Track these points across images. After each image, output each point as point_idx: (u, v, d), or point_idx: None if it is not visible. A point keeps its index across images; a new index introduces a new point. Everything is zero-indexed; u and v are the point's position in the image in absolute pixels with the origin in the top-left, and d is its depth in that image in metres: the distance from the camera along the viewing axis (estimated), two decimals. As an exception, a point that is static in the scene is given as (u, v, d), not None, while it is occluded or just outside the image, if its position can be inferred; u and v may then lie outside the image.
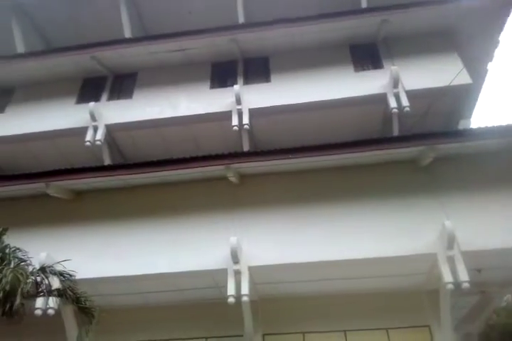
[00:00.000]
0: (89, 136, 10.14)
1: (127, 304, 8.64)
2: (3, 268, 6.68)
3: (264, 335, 8.17)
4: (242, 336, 7.96)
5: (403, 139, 8.34)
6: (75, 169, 9.17)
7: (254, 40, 10.95)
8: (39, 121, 10.85)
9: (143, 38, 11.20)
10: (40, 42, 12.74)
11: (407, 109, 9.46)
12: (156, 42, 10.98)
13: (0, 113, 11.54)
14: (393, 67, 9.92)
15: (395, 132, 9.80)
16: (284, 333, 8.13)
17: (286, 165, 8.62)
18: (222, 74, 11.23)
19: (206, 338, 8.32)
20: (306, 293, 8.23)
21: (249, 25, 10.96)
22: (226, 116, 10.02)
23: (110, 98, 11.32)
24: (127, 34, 11.85)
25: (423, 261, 7.37)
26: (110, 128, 10.43)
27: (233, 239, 7.68)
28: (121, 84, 11.65)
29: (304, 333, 8.12)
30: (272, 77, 10.89)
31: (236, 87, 10.19)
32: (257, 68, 11.21)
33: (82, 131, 10.29)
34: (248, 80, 11.02)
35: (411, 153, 8.26)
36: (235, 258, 7.61)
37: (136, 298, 8.59)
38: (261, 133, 10.44)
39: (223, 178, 8.86)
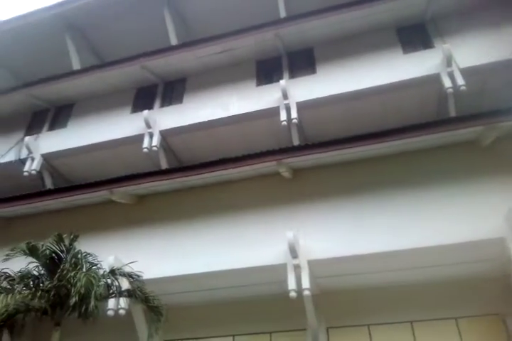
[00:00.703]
0: (146, 143, 10.56)
1: (192, 301, 8.88)
2: (77, 273, 7.14)
3: (328, 328, 8.06)
4: (305, 330, 7.93)
5: (462, 119, 7.90)
6: (135, 175, 9.61)
7: (297, 33, 10.82)
8: (98, 132, 11.46)
9: (188, 43, 11.41)
10: (94, 58, 13.43)
11: (463, 87, 8.91)
12: (201, 46, 11.19)
13: (63, 128, 12.31)
14: (445, 46, 9.39)
15: (452, 113, 9.26)
16: (348, 326, 7.99)
17: (339, 156, 8.48)
18: (267, 71, 11.22)
19: (270, 333, 8.36)
20: (369, 284, 8.03)
21: (292, 18, 10.80)
22: (274, 111, 10.00)
23: (162, 105, 11.71)
24: (173, 41, 12.18)
25: (491, 246, 6.91)
26: (164, 134, 10.78)
27: (290, 234, 7.66)
28: (171, 90, 12.02)
29: (368, 325, 7.92)
30: (318, 68, 10.69)
31: (282, 81, 10.13)
32: (302, 61, 11.07)
33: (139, 138, 10.74)
34: (294, 74, 10.90)
35: (471, 133, 7.83)
36: (294, 252, 7.59)
37: (200, 295, 8.80)
38: (310, 126, 10.29)
39: (276, 174, 8.90)
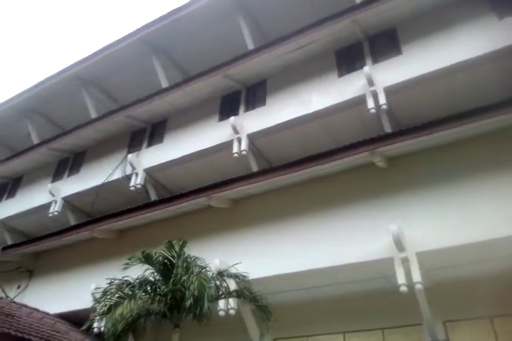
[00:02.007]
0: (235, 148, 10.84)
1: (299, 299, 8.86)
2: (189, 276, 7.53)
3: (444, 322, 7.47)
4: (420, 325, 7.45)
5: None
6: (229, 180, 9.94)
7: (376, 15, 10.24)
8: (191, 143, 12.01)
9: (265, 45, 11.45)
10: (179, 74, 14.15)
11: None
12: (278, 46, 11.15)
13: (160, 143, 13.13)
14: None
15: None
16: (468, 319, 7.30)
17: (437, 139, 7.91)
18: (348, 60, 10.83)
19: (382, 329, 8.00)
20: (486, 273, 7.23)
21: (369, 1, 10.29)
22: (360, 100, 9.62)
23: (247, 109, 11.93)
24: (250, 46, 12.37)
25: None
26: (252, 137, 10.98)
27: (394, 227, 7.31)
28: (253, 94, 12.22)
29: (491, 317, 7.15)
30: (403, 48, 9.98)
31: (365, 68, 9.70)
32: (385, 43, 10.47)
33: (228, 144, 11.07)
34: (377, 58, 10.35)
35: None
36: (400, 245, 7.22)
37: (306, 293, 8.76)
38: (401, 111, 9.70)
39: (369, 165, 8.58)
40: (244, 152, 10.70)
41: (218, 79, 12.12)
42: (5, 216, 15.27)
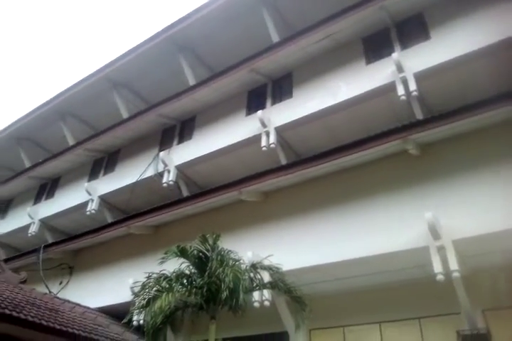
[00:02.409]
0: (263, 142, 10.85)
1: (334, 290, 8.86)
2: (224, 269, 7.64)
3: (484, 311, 7.29)
4: (459, 313, 7.28)
5: None
6: (259, 174, 10.00)
7: (404, 0, 10.00)
8: (219, 139, 12.12)
9: (290, 37, 11.37)
10: (206, 71, 14.28)
11: None
12: (303, 37, 11.04)
13: (189, 140, 13.31)
14: None
15: None
16: (509, 307, 7.06)
17: (471, 124, 7.69)
18: (375, 47, 10.61)
19: (419, 318, 7.87)
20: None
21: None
22: (389, 88, 9.41)
23: (273, 102, 11.92)
24: (275, 38, 12.33)
25: None
26: (280, 130, 10.95)
27: (429, 214, 7.16)
28: (280, 87, 12.19)
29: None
30: (432, 32, 9.69)
31: (394, 54, 9.47)
32: (413, 28, 10.18)
33: (256, 138, 11.09)
34: (406, 44, 10.08)
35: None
36: (435, 233, 7.07)
37: (340, 283, 8.73)
38: (432, 97, 9.43)
39: (402, 152, 8.43)
40: (272, 145, 10.70)
41: (244, 74, 12.16)
42: (45, 215, 15.90)
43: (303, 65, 11.69)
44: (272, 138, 10.75)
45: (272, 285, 8.18)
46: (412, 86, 9.07)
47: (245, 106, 12.45)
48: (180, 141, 13.64)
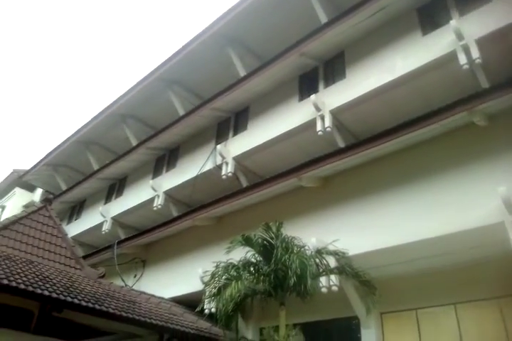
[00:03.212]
0: (319, 126, 10.62)
1: (404, 272, 8.55)
2: (290, 256, 7.66)
3: None
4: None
5: None
6: (317, 159, 9.86)
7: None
8: (274, 127, 12.03)
9: (339, 15, 10.91)
10: (256, 61, 14.20)
11: None
12: (354, 14, 10.53)
13: (245, 130, 13.35)
14: None
15: None
16: None
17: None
18: (431, 16, 9.92)
19: (498, 298, 7.37)
20: None
21: None
22: (450, 57, 8.79)
23: (326, 85, 11.60)
24: (323, 19, 11.96)
25: None
26: (335, 113, 10.64)
27: (502, 189, 6.71)
28: (332, 68, 11.84)
29: None
30: (492, -6, 8.92)
31: (452, 22, 8.79)
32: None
33: (311, 123, 10.87)
34: (464, 10, 9.30)
35: None
36: (510, 208, 6.57)
37: (410, 265, 8.41)
38: (498, 64, 8.71)
39: (468, 125, 7.92)
40: (328, 129, 10.43)
41: (294, 59, 11.93)
42: (116, 213, 16.75)
43: (355, 43, 11.24)
44: (328, 122, 10.48)
45: (339, 270, 8.09)
46: (475, 53, 8.41)
47: (297, 92, 12.25)
48: (236, 132, 13.73)
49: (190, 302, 11.34)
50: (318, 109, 10.73)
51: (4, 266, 7.27)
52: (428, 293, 8.23)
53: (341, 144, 10.46)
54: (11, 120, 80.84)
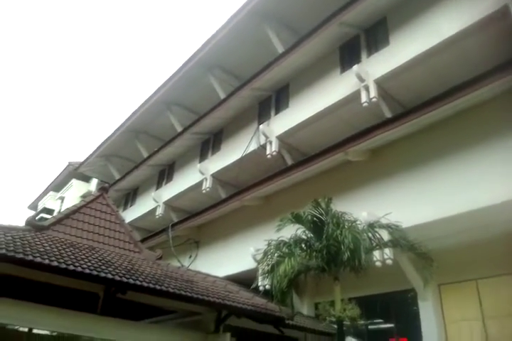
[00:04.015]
0: (363, 97, 10.24)
1: (460, 243, 8.30)
2: (341, 231, 7.59)
3: None
4: None
5: None
6: (363, 131, 9.59)
7: None
8: (316, 102, 11.76)
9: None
10: (293, 36, 13.83)
11: None
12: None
13: (286, 108, 13.15)
14: None
15: None
16: None
17: None
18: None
19: None
20: None
21: None
22: (504, 14, 8.10)
23: (369, 54, 11.11)
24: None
25: None
26: (380, 82, 10.20)
27: None
28: (374, 35, 11.28)
29: None
30: None
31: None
32: None
33: (355, 95, 10.52)
34: None
35: None
36: None
37: (467, 235, 8.11)
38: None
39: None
40: (374, 99, 10.04)
41: (333, 30, 11.47)
42: (168, 198, 17.26)
43: (397, 7, 10.60)
44: (373, 92, 10.08)
45: (394, 244, 7.92)
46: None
47: (339, 64, 11.86)
48: (278, 111, 13.58)
49: (243, 280, 11.60)
50: (361, 79, 10.33)
51: (70, 253, 7.63)
52: (488, 263, 7.93)
53: (388, 114, 10.07)
54: (62, 116, 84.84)
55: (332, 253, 7.75)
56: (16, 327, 13.70)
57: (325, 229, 7.94)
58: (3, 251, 6.37)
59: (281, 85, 13.68)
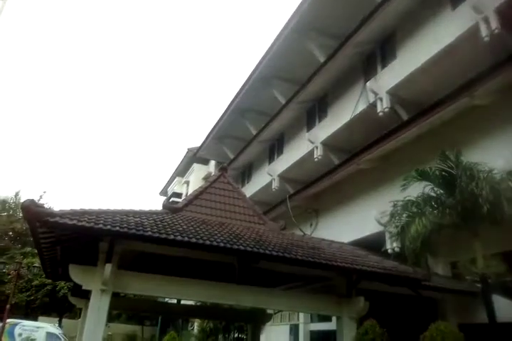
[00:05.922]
0: (483, 31, 8.86)
1: None
2: (477, 183, 7.07)
3: None
4: None
5: None
6: (492, 68, 8.45)
7: None
8: (428, 47, 10.61)
9: None
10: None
11: None
12: None
13: (394, 59, 12.09)
14: None
15: None
16: None
17: None
18: None
19: None
20: None
21: None
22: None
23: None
24: None
25: None
26: (504, 11, 8.74)
27: None
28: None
29: None
30: None
31: None
32: None
33: (473, 30, 9.20)
34: None
35: None
36: None
37: None
38: None
39: None
40: (496, 30, 8.65)
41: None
42: (281, 170, 17.46)
43: None
44: (494, 22, 8.67)
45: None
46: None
47: (449, 0, 10.44)
48: (385, 64, 12.60)
49: (368, 245, 11.28)
50: (478, 11, 8.96)
51: (204, 230, 8.24)
52: None
53: (517, 48, 8.63)
54: (178, 109, 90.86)
55: (468, 208, 7.22)
56: (166, 300, 15.32)
57: (457, 184, 7.41)
58: (149, 232, 7.10)
59: (387, 35, 12.56)
